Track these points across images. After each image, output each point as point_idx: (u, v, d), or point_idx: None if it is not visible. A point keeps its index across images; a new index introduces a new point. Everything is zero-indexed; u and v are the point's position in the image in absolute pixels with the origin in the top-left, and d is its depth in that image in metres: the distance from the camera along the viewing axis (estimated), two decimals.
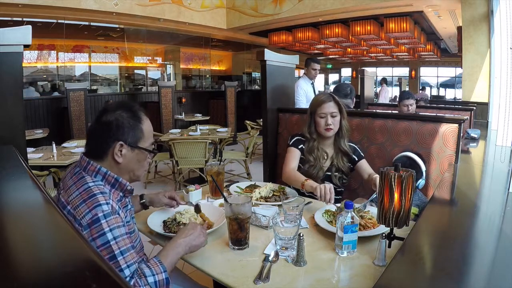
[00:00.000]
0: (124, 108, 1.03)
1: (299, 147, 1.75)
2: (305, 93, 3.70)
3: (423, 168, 1.54)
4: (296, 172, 1.66)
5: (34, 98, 6.12)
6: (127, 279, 0.86)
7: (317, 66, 3.81)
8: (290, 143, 1.77)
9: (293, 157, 1.73)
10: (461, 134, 1.62)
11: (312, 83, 3.85)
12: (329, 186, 1.40)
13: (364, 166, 1.70)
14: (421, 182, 1.54)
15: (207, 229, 1.19)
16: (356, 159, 1.72)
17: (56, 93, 6.88)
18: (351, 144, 1.75)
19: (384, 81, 9.60)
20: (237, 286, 0.91)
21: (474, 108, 3.40)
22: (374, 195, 1.44)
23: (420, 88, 12.79)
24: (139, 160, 1.05)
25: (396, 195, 0.94)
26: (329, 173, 1.73)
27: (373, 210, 1.35)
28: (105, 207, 0.90)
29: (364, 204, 1.37)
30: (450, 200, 1.23)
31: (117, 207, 0.95)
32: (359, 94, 4.32)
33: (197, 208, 1.29)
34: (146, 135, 1.05)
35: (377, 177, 1.47)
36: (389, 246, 0.99)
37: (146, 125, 1.05)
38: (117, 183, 1.01)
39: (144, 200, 1.33)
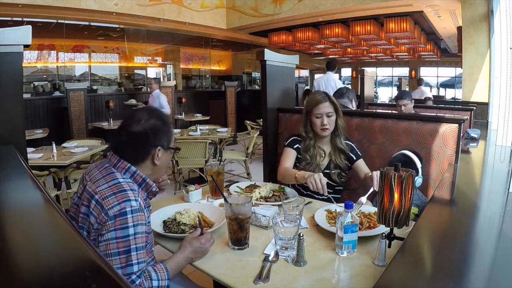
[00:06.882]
0: (156, 117, 1.09)
1: (295, 146, 1.77)
2: None
3: (419, 165, 1.51)
4: (289, 168, 1.67)
5: (33, 98, 6.10)
6: (133, 275, 0.91)
7: None
8: (286, 144, 1.79)
9: (288, 156, 1.75)
10: (461, 134, 1.62)
11: None
12: (319, 176, 1.42)
13: (361, 165, 1.71)
14: (418, 179, 1.48)
15: (208, 228, 1.20)
16: (354, 157, 1.73)
17: (57, 93, 6.87)
18: (347, 142, 1.76)
19: (420, 82, 7.27)
20: (237, 286, 0.91)
21: (474, 108, 3.40)
22: (371, 190, 1.45)
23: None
24: (168, 158, 1.14)
25: (396, 195, 0.94)
26: (327, 171, 1.74)
27: (370, 209, 1.36)
28: (134, 203, 0.94)
29: (361, 198, 1.37)
30: (450, 200, 1.23)
31: (144, 206, 1.00)
32: (359, 94, 4.32)
33: None
34: (173, 136, 1.15)
35: (373, 172, 1.49)
36: (389, 246, 1.00)
37: (172, 127, 1.15)
38: (144, 183, 1.06)
39: None
